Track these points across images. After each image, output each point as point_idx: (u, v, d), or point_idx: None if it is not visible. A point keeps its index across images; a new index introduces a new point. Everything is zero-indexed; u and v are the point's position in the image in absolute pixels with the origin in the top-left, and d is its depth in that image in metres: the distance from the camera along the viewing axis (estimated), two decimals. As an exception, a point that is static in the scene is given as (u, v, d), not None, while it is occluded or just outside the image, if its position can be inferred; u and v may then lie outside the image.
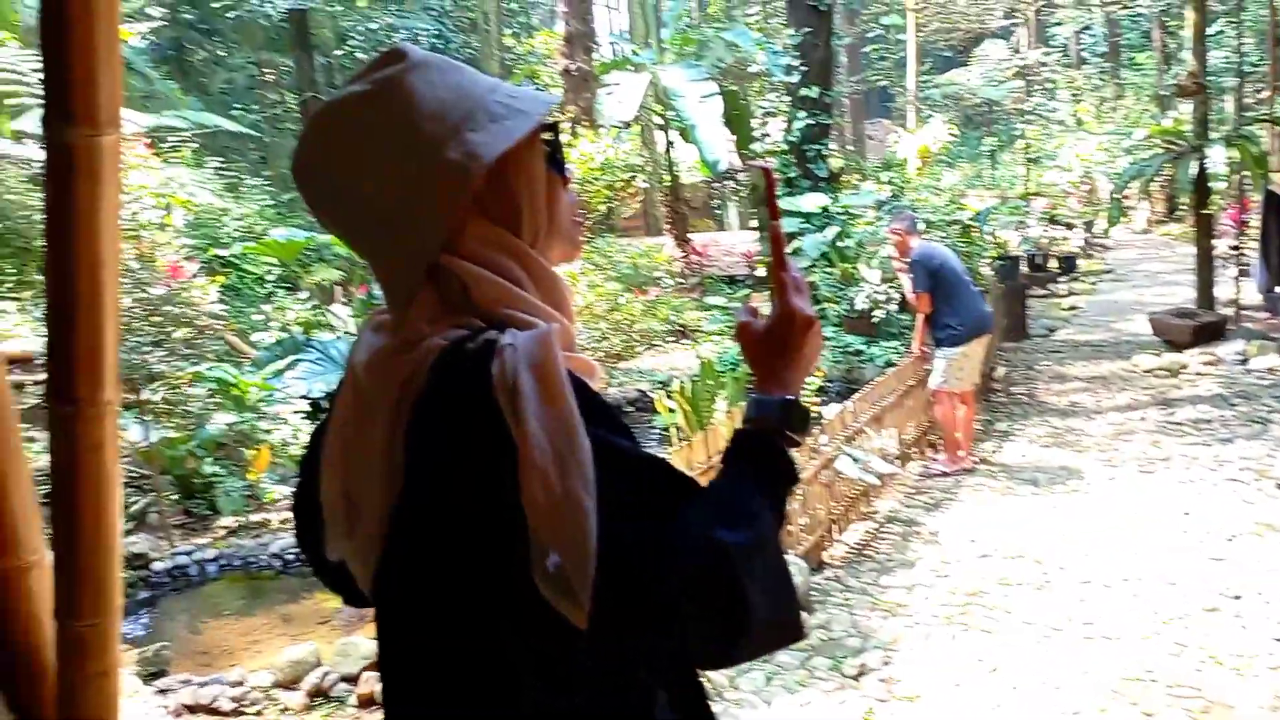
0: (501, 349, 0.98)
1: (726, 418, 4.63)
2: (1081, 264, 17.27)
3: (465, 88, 1.07)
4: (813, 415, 1.14)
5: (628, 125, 17.39)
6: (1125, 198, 12.07)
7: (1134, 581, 4.72)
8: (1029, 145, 23.45)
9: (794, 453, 1.10)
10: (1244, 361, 8.93)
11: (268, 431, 6.33)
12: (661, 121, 16.92)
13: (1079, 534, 5.34)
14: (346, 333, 8.76)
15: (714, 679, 3.81)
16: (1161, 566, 4.85)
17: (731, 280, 16.24)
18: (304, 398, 7.69)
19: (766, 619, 0.97)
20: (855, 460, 5.19)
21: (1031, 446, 7.14)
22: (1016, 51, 31.08)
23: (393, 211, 1.06)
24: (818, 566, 5.12)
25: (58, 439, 1.44)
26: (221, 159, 15.35)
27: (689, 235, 17.27)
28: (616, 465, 0.96)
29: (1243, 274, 10.56)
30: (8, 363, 1.72)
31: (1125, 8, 28.76)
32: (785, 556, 1.05)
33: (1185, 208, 22.76)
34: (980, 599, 4.69)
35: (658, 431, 6.20)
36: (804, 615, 1.04)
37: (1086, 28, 32.57)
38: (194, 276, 7.38)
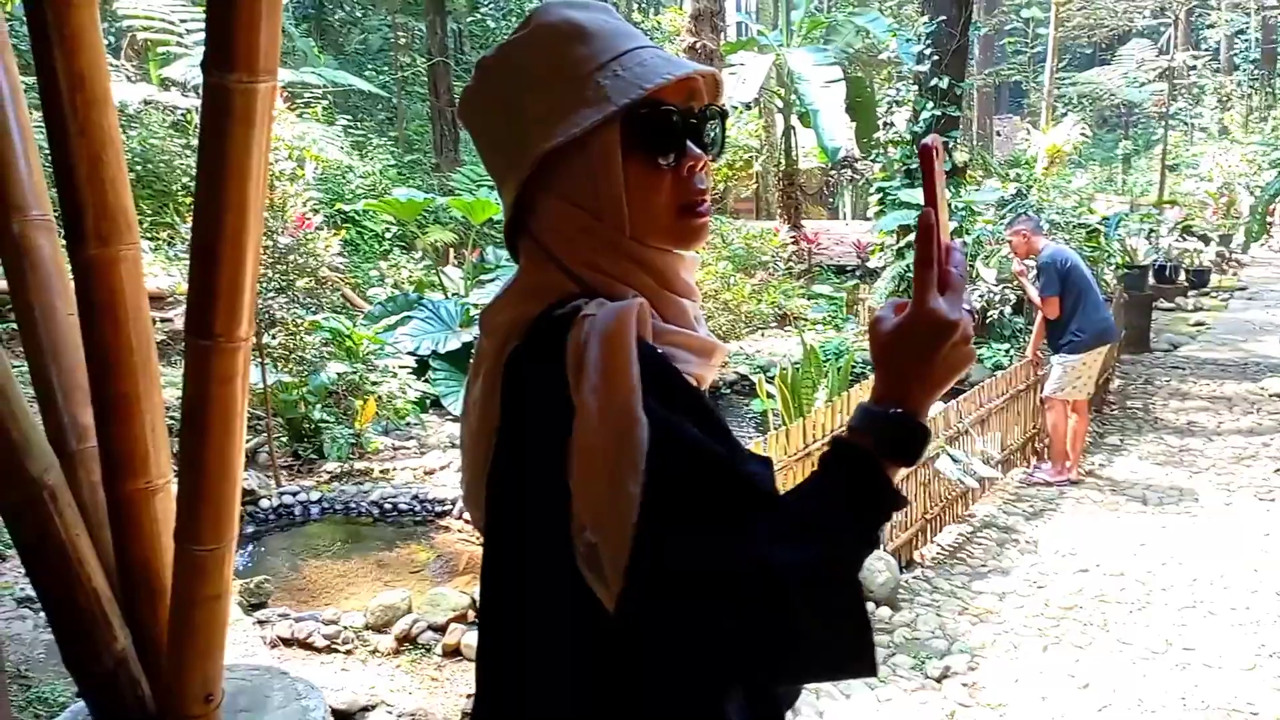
0: (582, 318, 0.96)
1: (826, 408, 4.58)
2: (1214, 279, 16.51)
3: (622, 33, 1.05)
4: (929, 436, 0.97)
5: (749, 106, 17.26)
6: (1270, 212, 11.42)
7: (1241, 611, 4.52)
8: (1168, 151, 22.41)
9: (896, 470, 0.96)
10: (1385, 394, 8.41)
11: (375, 384, 6.54)
12: (782, 104, 16.77)
13: (1186, 557, 5.13)
14: (455, 294, 8.95)
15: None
16: (1271, 599, 4.63)
17: (841, 270, 16.04)
18: (412, 353, 7.91)
19: (822, 648, 0.89)
20: (955, 461, 5.08)
21: (1142, 463, 6.88)
22: (1163, 52, 29.71)
23: (508, 135, 1.05)
24: (907, 564, 5.04)
25: (193, 371, 1.52)
26: (350, 117, 15.82)
27: (801, 221, 17.11)
28: (679, 456, 0.90)
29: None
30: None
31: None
32: (860, 585, 0.94)
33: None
34: (1075, 614, 4.55)
35: (755, 415, 6.18)
36: (876, 650, 0.95)
37: (1240, 32, 30.93)
38: (318, 229, 7.66)
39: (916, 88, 10.59)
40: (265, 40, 1.20)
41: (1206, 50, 29.86)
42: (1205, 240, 16.10)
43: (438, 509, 5.52)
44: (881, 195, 10.70)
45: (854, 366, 7.60)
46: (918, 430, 0.95)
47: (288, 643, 4.11)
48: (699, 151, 1.06)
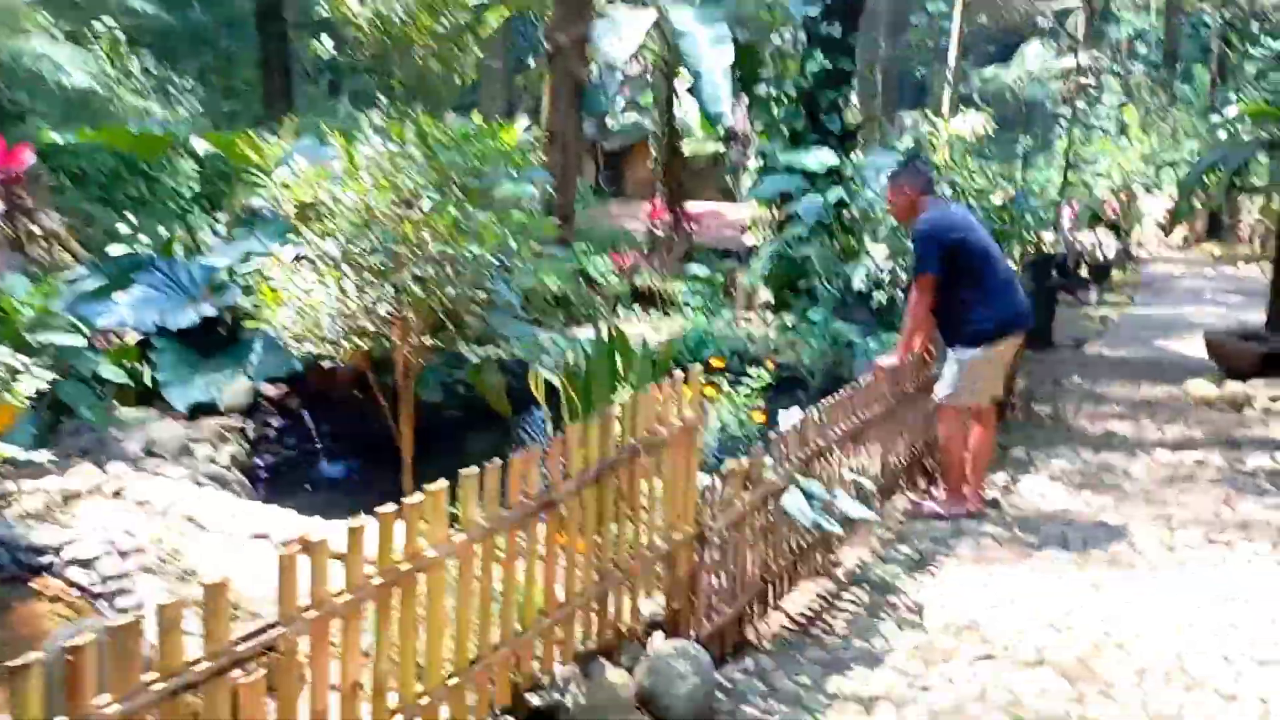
0: None
1: (628, 403, 2.94)
2: (1115, 275, 15.60)
3: None
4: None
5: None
6: (1195, 194, 10.29)
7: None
8: (1070, 146, 21.73)
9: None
10: (1323, 402, 7.18)
11: (15, 378, 4.53)
12: (666, 69, 15.09)
13: (1130, 632, 3.63)
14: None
15: None
16: (1257, 687, 3.15)
17: (726, 254, 14.55)
18: (136, 329, 6.01)
19: None
20: (811, 498, 3.47)
21: (1057, 487, 5.42)
22: (1069, 49, 29.27)
23: None
24: (733, 650, 3.42)
25: None
26: (167, 60, 13.62)
27: (681, 200, 15.49)
28: None
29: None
30: None
31: (1189, 12, 26.84)
32: None
33: (1227, 222, 21.12)
34: (977, 736, 2.99)
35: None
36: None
37: (1141, 34, 30.72)
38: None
39: (805, 38, 9.06)
40: None
41: (1108, 49, 29.44)
42: (1116, 230, 15.10)
43: (34, 561, 3.64)
44: (763, 161, 9.13)
45: (682, 356, 6.03)
46: None
47: None
48: None
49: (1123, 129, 26.14)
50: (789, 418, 3.94)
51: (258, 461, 5.92)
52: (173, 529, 3.85)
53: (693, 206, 16.15)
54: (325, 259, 4.15)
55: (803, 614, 3.77)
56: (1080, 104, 25.64)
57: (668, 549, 3.04)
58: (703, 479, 3.33)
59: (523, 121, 6.36)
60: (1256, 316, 10.18)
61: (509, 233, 4.07)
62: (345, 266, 4.09)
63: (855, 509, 3.72)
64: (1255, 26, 22.43)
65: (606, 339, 4.51)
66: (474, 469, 2.43)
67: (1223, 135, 12.34)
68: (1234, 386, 7.57)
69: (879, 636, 3.60)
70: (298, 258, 4.29)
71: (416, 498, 2.26)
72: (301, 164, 4.44)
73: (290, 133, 9.47)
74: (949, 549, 4.44)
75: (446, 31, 9.13)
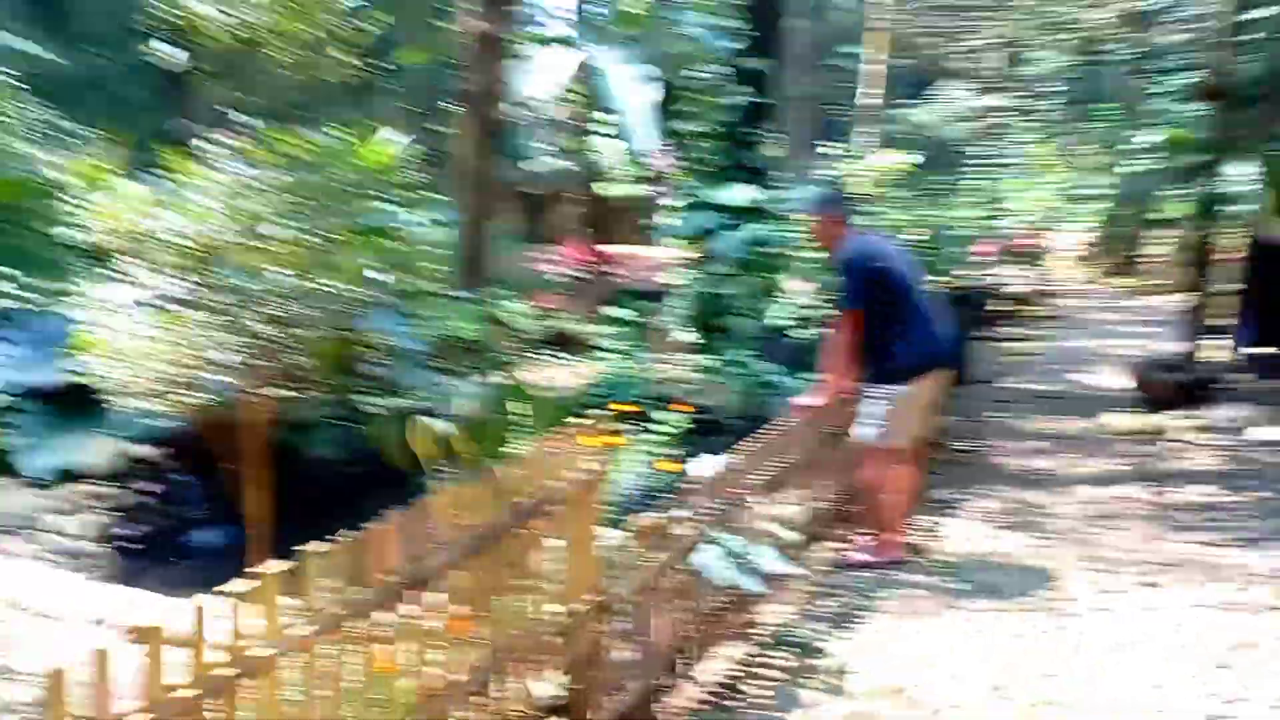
0: None
1: (517, 458, 2.62)
2: (1031, 309, 15.80)
3: None
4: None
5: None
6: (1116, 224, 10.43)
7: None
8: (985, 185, 22.21)
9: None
10: (1239, 430, 7.17)
11: None
12: (586, 108, 14.91)
13: (1071, 693, 3.39)
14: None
15: None
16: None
17: (645, 295, 14.34)
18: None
19: None
20: (729, 554, 3.18)
21: (983, 529, 5.23)
22: (984, 89, 30.09)
23: None
24: (641, 732, 3.09)
25: None
26: (66, 108, 12.97)
27: (599, 241, 15.28)
28: None
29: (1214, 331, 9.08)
30: None
31: (1094, 55, 27.73)
32: None
33: (1138, 257, 21.69)
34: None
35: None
36: None
37: (1054, 74, 31.66)
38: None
39: (728, 72, 8.92)
40: None
41: (1020, 89, 30.26)
42: (1031, 259, 15.30)
43: None
44: (689, 199, 8.89)
45: (597, 401, 5.68)
46: None
47: None
48: None
49: (1037, 165, 26.87)
50: (701, 466, 3.66)
51: (124, 531, 5.42)
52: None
53: (613, 249, 15.97)
54: (157, 299, 3.63)
55: (719, 684, 3.46)
56: (994, 142, 26.33)
57: (567, 622, 2.71)
58: (612, 535, 3.02)
59: (399, 138, 5.88)
60: (1171, 346, 10.29)
61: (388, 266, 3.62)
62: (179, 307, 3.58)
63: (776, 564, 3.44)
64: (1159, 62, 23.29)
65: (506, 386, 4.19)
66: (321, 544, 2.08)
67: (1135, 167, 12.59)
68: (1153, 418, 7.54)
69: (800, 707, 3.31)
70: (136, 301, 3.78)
71: (238, 585, 1.91)
72: (130, 189, 3.95)
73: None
74: (875, 602, 4.17)
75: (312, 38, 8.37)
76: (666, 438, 4.23)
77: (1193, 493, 5.79)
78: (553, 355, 10.49)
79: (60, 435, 5.41)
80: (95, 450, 5.43)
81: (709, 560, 3.11)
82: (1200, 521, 5.27)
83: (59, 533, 4.82)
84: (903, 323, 4.42)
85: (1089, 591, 4.28)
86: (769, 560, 3.42)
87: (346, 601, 2.12)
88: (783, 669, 3.57)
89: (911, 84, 32.43)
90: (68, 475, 5.31)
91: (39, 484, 5.26)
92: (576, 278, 13.58)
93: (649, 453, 3.94)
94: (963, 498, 5.77)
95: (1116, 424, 7.58)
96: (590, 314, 12.58)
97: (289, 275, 3.39)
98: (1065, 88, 30.15)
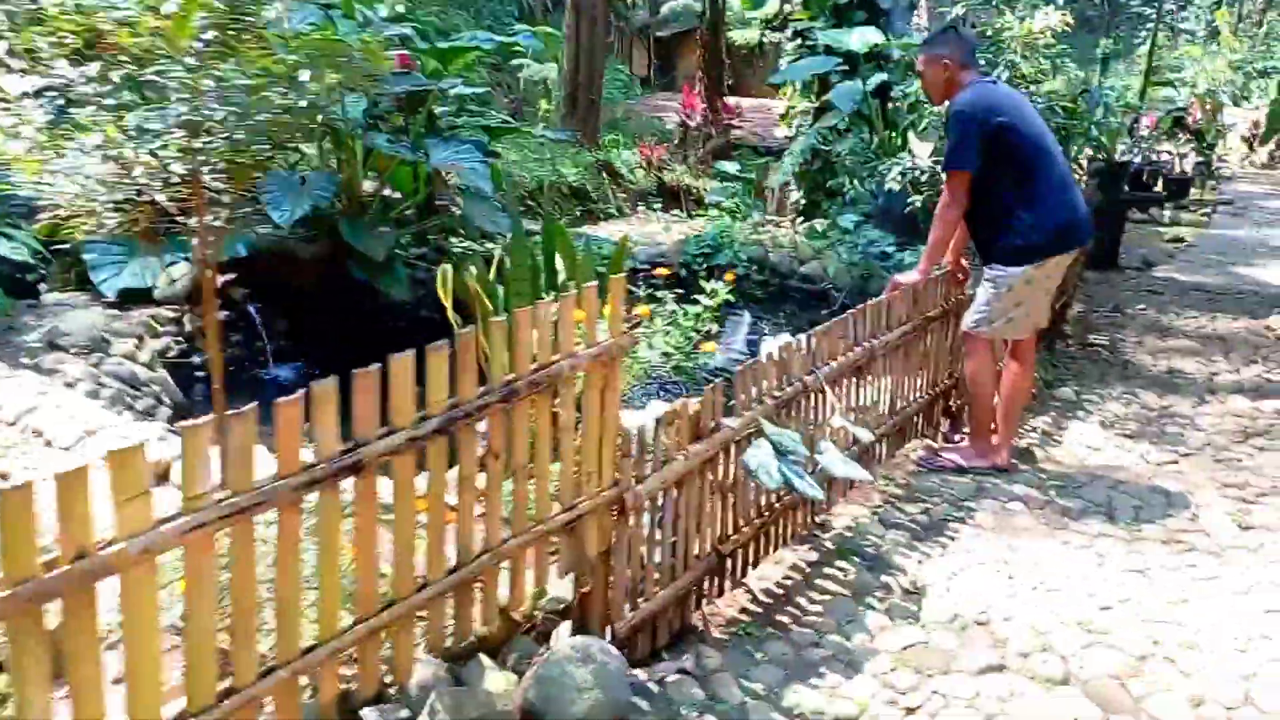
0: None
1: (506, 322, 2.13)
2: (1193, 192, 14.25)
3: None
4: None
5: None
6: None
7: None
8: (1154, 49, 20.06)
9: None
10: None
11: None
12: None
13: (1185, 643, 2.83)
14: None
15: None
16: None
17: (767, 151, 13.45)
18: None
19: None
20: (785, 453, 2.67)
21: (1107, 437, 4.56)
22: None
23: None
24: (670, 642, 2.68)
25: None
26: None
27: (723, 92, 14.31)
28: None
29: None
30: None
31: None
32: None
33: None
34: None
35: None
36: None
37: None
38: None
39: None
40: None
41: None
42: (1199, 139, 13.68)
43: None
44: (799, 40, 8.03)
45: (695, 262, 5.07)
46: None
47: None
48: None
49: (1214, 33, 24.17)
50: (771, 345, 3.12)
51: (194, 360, 5.25)
52: (15, 446, 3.18)
53: (739, 100, 15.02)
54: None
55: (770, 592, 3.02)
56: (1169, 3, 23.71)
57: (571, 517, 2.27)
58: (642, 420, 2.55)
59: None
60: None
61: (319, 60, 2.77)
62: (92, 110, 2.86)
63: (842, 466, 2.92)
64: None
65: (543, 236, 3.67)
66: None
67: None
68: (1328, 324, 6.56)
69: (863, 630, 2.84)
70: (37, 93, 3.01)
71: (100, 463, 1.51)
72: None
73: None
74: (967, 513, 3.63)
75: None
76: (703, 311, 3.62)
77: (1368, 415, 4.94)
78: (658, 209, 9.96)
79: (133, 254, 5.23)
80: (166, 272, 5.25)
81: (759, 458, 2.61)
82: (1374, 451, 4.48)
83: (127, 357, 4.65)
84: (1027, 192, 3.67)
85: (1225, 524, 3.63)
86: (836, 462, 2.90)
87: (268, 488, 1.72)
88: (847, 583, 3.10)
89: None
90: (138, 296, 5.14)
91: (114, 305, 5.10)
92: (695, 128, 12.77)
93: (683, 327, 3.36)
94: (1091, 399, 5.07)
95: (1281, 327, 6.63)
96: (705, 168, 11.89)
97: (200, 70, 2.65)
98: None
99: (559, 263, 3.33)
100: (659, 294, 3.40)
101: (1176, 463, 4.27)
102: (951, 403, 4.41)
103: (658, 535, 2.58)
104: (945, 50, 3.79)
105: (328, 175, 5.68)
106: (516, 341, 2.06)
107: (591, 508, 2.28)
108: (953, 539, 3.44)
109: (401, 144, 5.61)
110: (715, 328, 3.98)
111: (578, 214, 9.95)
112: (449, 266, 2.77)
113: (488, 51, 6.00)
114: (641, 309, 3.18)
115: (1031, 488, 3.87)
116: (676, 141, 12.28)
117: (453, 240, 6.39)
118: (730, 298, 3.54)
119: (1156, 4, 20.87)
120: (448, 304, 2.85)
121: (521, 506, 2.16)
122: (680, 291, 3.48)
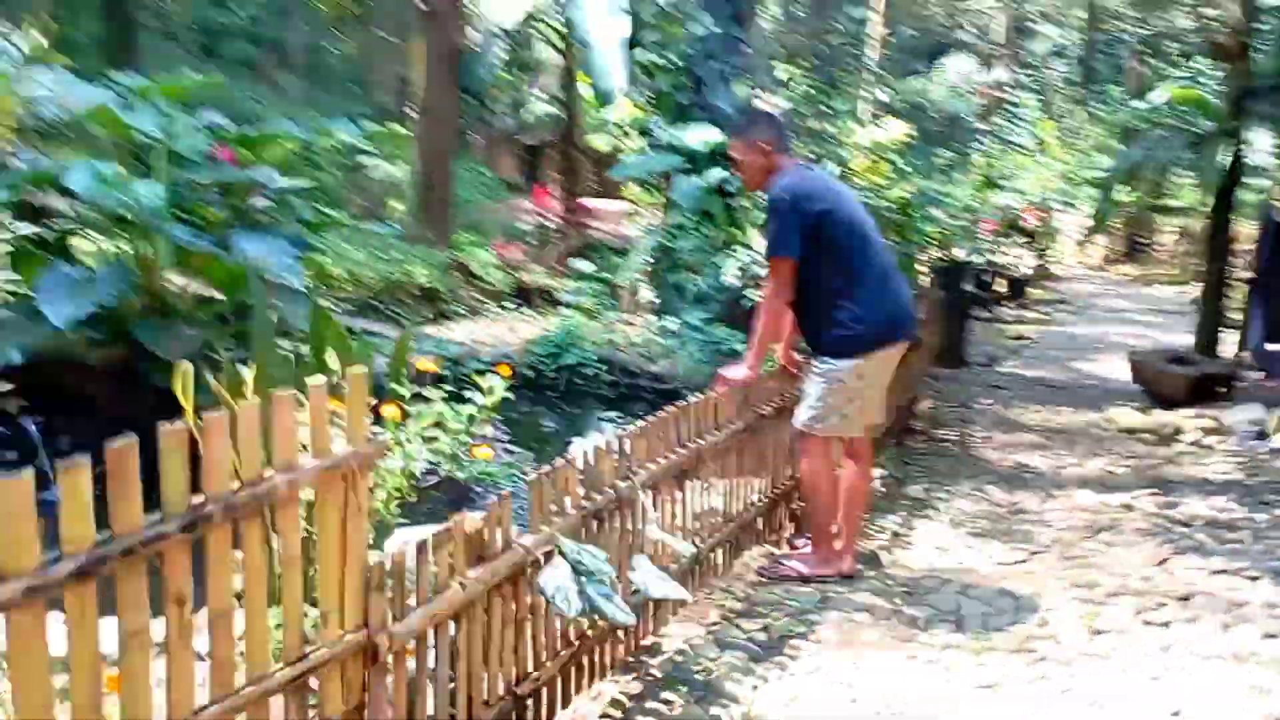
0: None
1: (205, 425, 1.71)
2: (1033, 292, 14.89)
3: None
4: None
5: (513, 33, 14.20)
6: (1112, 200, 9.47)
7: None
8: (989, 163, 21.25)
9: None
10: (1261, 436, 6.29)
11: None
12: (561, 45, 13.82)
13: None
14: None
15: None
16: None
17: (623, 252, 13.39)
18: None
19: None
20: (584, 575, 2.29)
21: (957, 536, 4.36)
22: (986, 65, 29.26)
23: None
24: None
25: None
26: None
27: (579, 192, 14.27)
28: None
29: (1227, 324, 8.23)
30: None
31: (1107, 30, 26.77)
32: None
33: (1145, 243, 20.76)
34: None
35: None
36: None
37: (1060, 50, 30.66)
38: None
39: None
40: None
41: (1028, 66, 29.24)
42: (1032, 239, 14.37)
43: None
44: (646, 137, 7.97)
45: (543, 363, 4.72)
46: None
47: None
48: None
49: (1040, 144, 25.91)
50: (581, 446, 2.78)
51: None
52: None
53: (600, 201, 15.01)
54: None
55: (581, 736, 2.60)
56: (999, 119, 25.34)
57: (297, 672, 1.81)
58: (400, 544, 2.13)
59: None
60: (1180, 338, 9.44)
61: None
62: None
63: (660, 585, 2.57)
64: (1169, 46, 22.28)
65: (310, 327, 3.28)
66: None
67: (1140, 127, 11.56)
68: (1162, 415, 6.67)
69: (685, 777, 2.45)
70: None
71: None
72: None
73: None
74: (809, 628, 3.31)
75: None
76: (478, 411, 3.25)
77: (1205, 506, 4.91)
78: (514, 308, 9.70)
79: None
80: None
81: (555, 581, 2.23)
82: (1216, 541, 4.40)
83: None
84: (851, 281, 3.49)
85: (1075, 628, 3.41)
86: (652, 580, 2.55)
87: None
88: (674, 717, 2.71)
89: (917, 55, 31.35)
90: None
91: None
92: (548, 228, 12.63)
93: (451, 429, 2.98)
94: (940, 496, 4.91)
95: (1122, 420, 6.71)
96: (562, 268, 11.71)
97: None
98: (1072, 66, 29.19)
99: (332, 358, 2.94)
100: (424, 391, 3.03)
101: (1026, 561, 4.08)
102: (794, 506, 4.14)
103: (432, 683, 2.15)
104: (761, 135, 3.62)
105: (122, 270, 5.15)
106: (208, 453, 1.64)
107: (329, 657, 1.84)
108: (793, 658, 3.10)
109: (206, 237, 5.15)
110: (492, 430, 3.62)
111: (428, 315, 9.60)
112: (189, 365, 2.36)
113: (299, 141, 5.65)
114: (388, 410, 2.80)
115: (878, 596, 3.59)
116: (538, 243, 12.11)
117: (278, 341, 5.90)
118: (509, 395, 3.18)
119: (989, 120, 22.26)
120: (188, 408, 2.43)
121: (225, 665, 1.70)
122: (451, 390, 3.10)
